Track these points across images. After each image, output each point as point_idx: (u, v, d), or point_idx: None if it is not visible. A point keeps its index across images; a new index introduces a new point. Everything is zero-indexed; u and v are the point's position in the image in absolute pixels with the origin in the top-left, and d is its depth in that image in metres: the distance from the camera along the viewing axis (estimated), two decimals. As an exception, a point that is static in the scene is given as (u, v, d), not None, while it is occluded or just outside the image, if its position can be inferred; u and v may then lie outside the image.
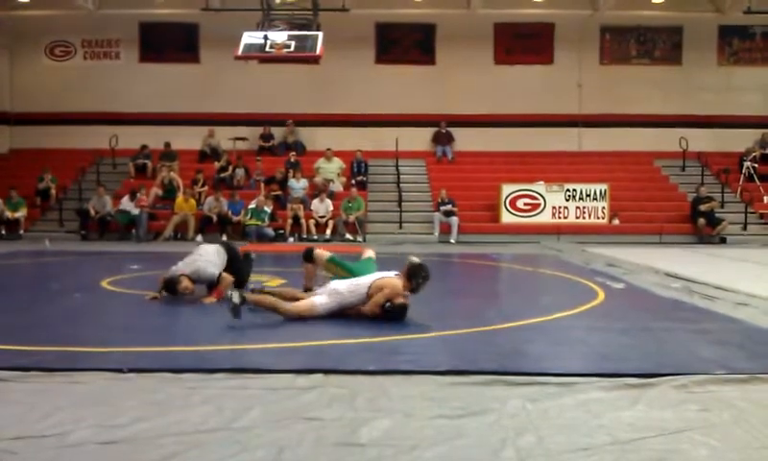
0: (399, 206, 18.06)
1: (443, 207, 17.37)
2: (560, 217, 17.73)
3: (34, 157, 19.98)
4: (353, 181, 18.76)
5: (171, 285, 7.20)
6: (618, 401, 3.90)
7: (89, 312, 6.96)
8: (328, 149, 19.31)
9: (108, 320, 6.56)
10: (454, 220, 17.07)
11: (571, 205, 17.75)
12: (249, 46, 13.73)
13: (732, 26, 21.00)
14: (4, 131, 21.36)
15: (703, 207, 17.45)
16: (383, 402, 3.81)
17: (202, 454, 3.12)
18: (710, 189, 18.41)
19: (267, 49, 13.60)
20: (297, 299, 6.42)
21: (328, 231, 16.99)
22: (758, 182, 19.15)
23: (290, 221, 17.01)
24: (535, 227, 17.41)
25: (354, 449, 3.17)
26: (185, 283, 7.16)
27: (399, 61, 21.12)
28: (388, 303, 5.98)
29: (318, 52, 13.61)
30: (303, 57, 14.23)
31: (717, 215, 17.50)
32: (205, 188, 18.29)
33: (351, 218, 17.12)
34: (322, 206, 17.42)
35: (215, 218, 16.94)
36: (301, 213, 17.12)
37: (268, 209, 16.99)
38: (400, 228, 17.67)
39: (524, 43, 21.20)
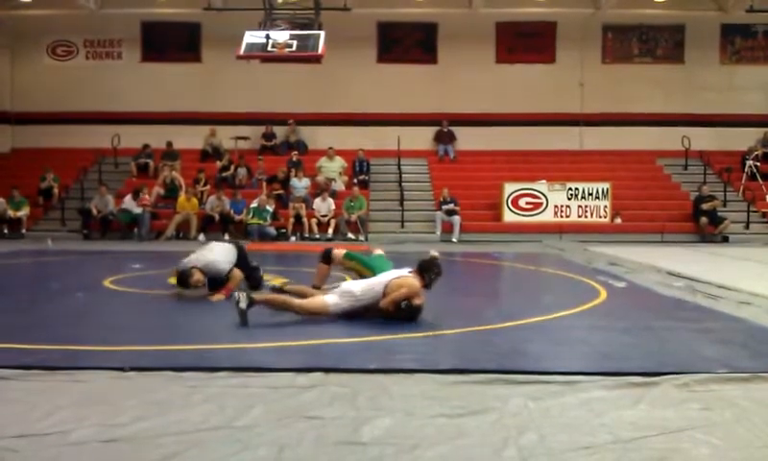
0: (401, 204, 18.05)
1: (444, 206, 17.36)
2: (562, 216, 17.71)
3: (36, 156, 20.00)
4: (355, 181, 18.76)
5: (183, 278, 7.25)
6: (620, 400, 3.89)
7: (91, 311, 6.97)
8: (330, 148, 19.31)
9: (109, 319, 6.56)
10: (456, 219, 17.07)
11: (573, 203, 17.73)
12: (251, 45, 13.73)
13: (734, 24, 20.96)
14: (6, 130, 21.38)
15: (705, 206, 17.42)
16: (384, 401, 3.81)
17: (203, 453, 3.12)
18: (713, 188, 18.38)
19: (269, 48, 13.59)
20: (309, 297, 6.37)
21: (330, 230, 16.99)
22: (761, 181, 19.11)
23: (292, 220, 17.02)
24: (537, 226, 17.40)
25: (355, 448, 3.17)
26: (197, 276, 7.22)
27: (401, 61, 21.11)
28: (404, 303, 5.92)
29: (320, 51, 13.61)
30: (305, 56, 14.21)
31: (719, 214, 17.47)
32: (207, 187, 18.30)
33: (353, 217, 17.12)
34: (324, 205, 17.42)
35: (217, 217, 16.95)
36: (303, 212, 17.13)
37: (270, 208, 17.00)
38: (402, 227, 17.67)
39: (526, 42, 21.18)
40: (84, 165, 19.66)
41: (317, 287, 7.00)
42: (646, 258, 11.56)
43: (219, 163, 19.34)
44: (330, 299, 6.10)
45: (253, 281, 7.81)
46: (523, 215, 17.69)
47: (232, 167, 19.10)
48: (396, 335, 5.47)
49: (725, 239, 17.04)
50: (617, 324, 6.25)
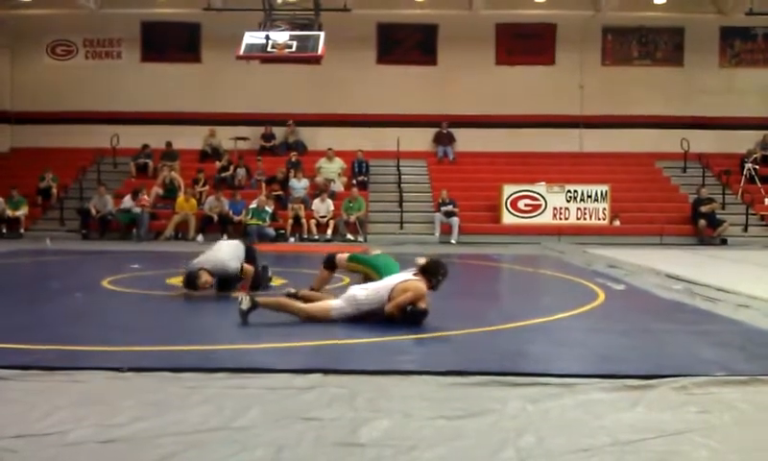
0: (400, 206, 18.06)
1: (443, 208, 17.36)
2: (561, 218, 17.72)
3: (35, 156, 19.99)
4: (354, 182, 18.76)
5: (191, 280, 7.30)
6: (619, 403, 3.89)
7: (90, 311, 6.97)
8: (329, 149, 19.31)
9: (108, 319, 6.56)
10: (455, 220, 17.07)
11: (572, 206, 17.74)
12: (250, 46, 13.73)
13: (733, 27, 20.97)
14: (5, 129, 21.36)
15: (704, 209, 17.43)
16: (383, 403, 3.81)
17: (201, 454, 3.12)
18: (711, 191, 18.40)
19: (269, 49, 13.60)
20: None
21: (329, 231, 16.99)
22: (759, 184, 19.13)
23: (291, 221, 17.01)
24: (536, 227, 17.40)
25: (354, 450, 3.16)
26: (205, 278, 7.29)
27: (401, 62, 21.11)
28: (410, 307, 5.88)
29: (319, 52, 13.61)
30: (305, 57, 14.23)
31: (718, 217, 17.48)
32: (206, 188, 18.30)
33: (352, 218, 17.12)
34: (323, 206, 17.42)
35: (216, 218, 16.95)
36: (302, 213, 17.13)
37: (269, 209, 16.99)
38: (401, 228, 17.67)
39: (526, 44, 21.19)
40: (83, 165, 19.66)
41: (314, 290, 6.98)
42: (645, 261, 11.56)
43: (218, 164, 19.34)
44: (334, 303, 6.08)
45: (255, 281, 7.81)
46: (522, 217, 17.70)
47: (231, 168, 19.10)
48: (394, 337, 5.47)
49: (723, 242, 17.05)
50: (616, 326, 6.26)
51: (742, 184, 19.21)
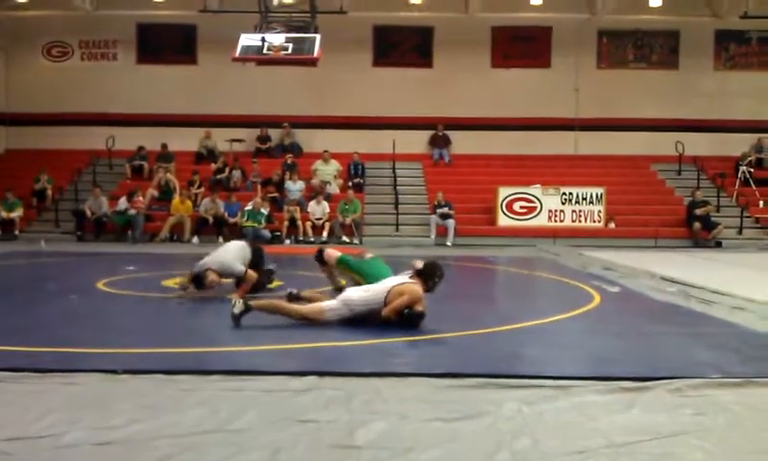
0: (396, 208, 18.06)
1: (439, 210, 17.37)
2: (556, 220, 17.74)
3: (30, 157, 19.93)
4: (350, 184, 18.76)
5: (198, 280, 7.45)
6: (613, 405, 3.91)
7: (85, 313, 6.95)
8: (325, 151, 19.31)
9: (103, 321, 6.54)
10: (450, 223, 17.08)
11: (567, 208, 17.77)
12: (246, 48, 13.73)
13: (728, 31, 21.04)
14: (0, 131, 21.30)
15: (698, 212, 17.47)
16: (379, 405, 3.81)
17: (196, 456, 3.12)
18: (706, 193, 18.44)
19: (264, 51, 13.60)
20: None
21: (325, 234, 16.97)
22: (754, 187, 19.18)
23: (286, 223, 16.99)
24: (531, 230, 17.42)
25: (349, 452, 3.17)
26: (212, 277, 7.44)
27: (397, 64, 21.12)
28: (407, 310, 5.88)
29: (315, 54, 13.62)
30: (301, 59, 14.22)
31: (713, 219, 17.52)
32: (202, 190, 18.26)
33: (348, 220, 17.12)
34: (318, 209, 17.42)
35: (211, 220, 16.93)
36: (298, 215, 17.11)
37: (264, 211, 16.98)
38: (397, 230, 17.67)
39: (522, 47, 21.22)
40: (78, 167, 19.60)
41: (339, 288, 6.98)
42: (640, 263, 11.58)
43: (213, 166, 19.30)
44: (329, 304, 6.08)
45: (259, 284, 7.83)
46: (517, 219, 17.72)
47: (227, 170, 19.07)
48: (390, 339, 5.48)
49: (718, 244, 17.09)
50: (611, 328, 6.27)
51: (737, 187, 19.27)
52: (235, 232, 16.45)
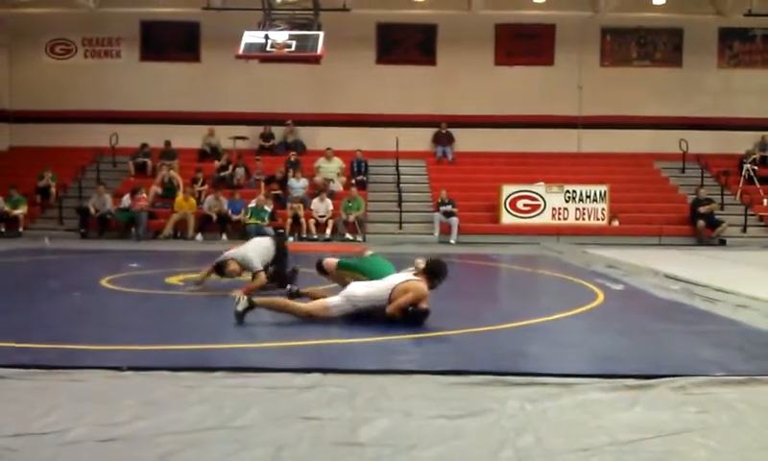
0: (399, 206, 18.06)
1: (443, 208, 17.36)
2: (559, 218, 17.72)
3: (34, 154, 19.96)
4: (353, 181, 18.75)
5: (220, 267, 7.72)
6: (617, 402, 3.90)
7: (89, 310, 6.97)
8: (328, 148, 19.31)
9: (106, 318, 6.56)
10: (454, 220, 17.07)
11: (571, 206, 17.75)
12: (250, 45, 13.72)
13: (732, 28, 20.98)
14: (4, 128, 21.32)
15: (702, 209, 17.44)
16: (382, 402, 3.81)
17: (200, 453, 3.12)
18: (710, 191, 18.40)
19: (268, 48, 13.59)
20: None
21: (328, 231, 16.98)
22: (758, 185, 19.14)
23: (290, 220, 17.01)
24: (535, 228, 17.40)
25: (353, 449, 3.17)
26: (233, 266, 7.66)
27: (400, 62, 21.10)
28: (411, 308, 5.87)
29: (319, 52, 13.60)
30: (304, 56, 14.21)
31: (717, 217, 17.49)
32: (205, 187, 18.29)
33: (351, 218, 17.12)
34: (322, 206, 17.42)
35: (215, 217, 16.95)
36: (301, 213, 17.13)
37: (268, 209, 16.98)
38: (400, 228, 17.67)
39: (525, 44, 21.18)
40: (82, 164, 19.63)
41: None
42: (643, 261, 11.57)
43: (217, 163, 19.32)
44: (332, 300, 6.08)
45: (279, 280, 7.90)
46: (521, 217, 17.70)
47: (230, 167, 19.09)
48: (394, 336, 5.48)
49: (722, 242, 17.06)
50: (615, 326, 6.27)
51: (741, 185, 19.23)
52: (239, 230, 16.50)
